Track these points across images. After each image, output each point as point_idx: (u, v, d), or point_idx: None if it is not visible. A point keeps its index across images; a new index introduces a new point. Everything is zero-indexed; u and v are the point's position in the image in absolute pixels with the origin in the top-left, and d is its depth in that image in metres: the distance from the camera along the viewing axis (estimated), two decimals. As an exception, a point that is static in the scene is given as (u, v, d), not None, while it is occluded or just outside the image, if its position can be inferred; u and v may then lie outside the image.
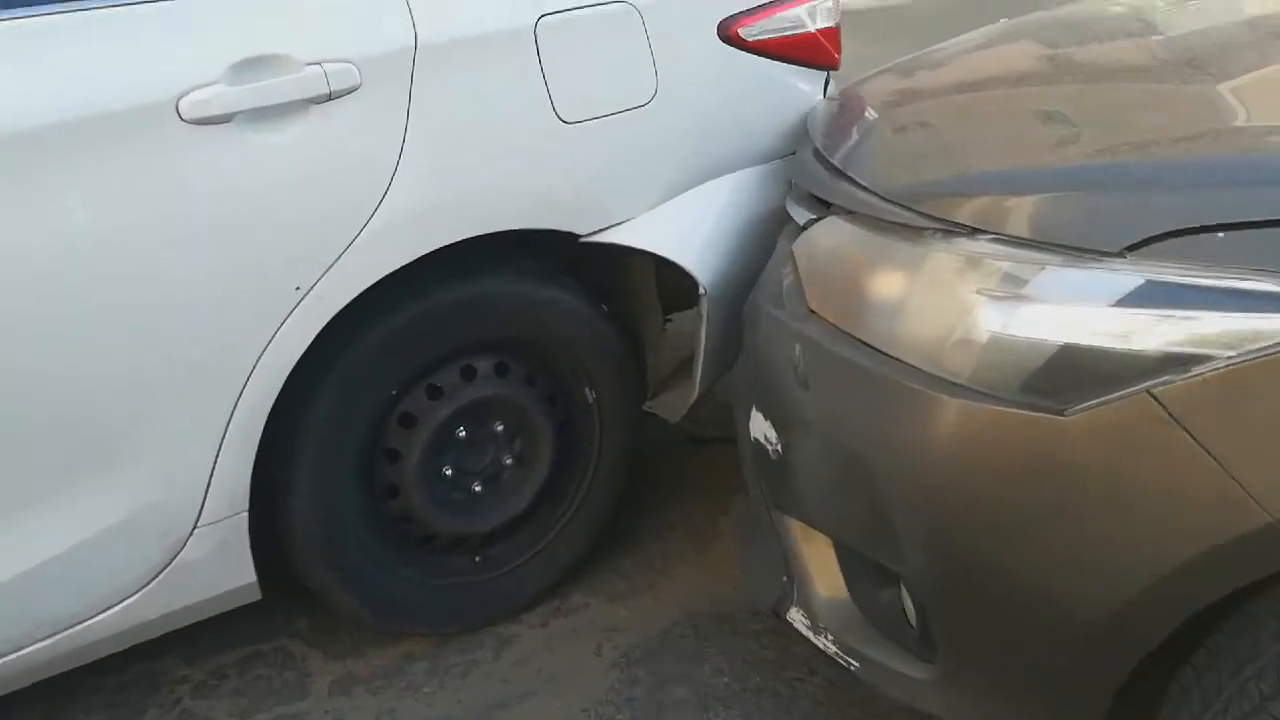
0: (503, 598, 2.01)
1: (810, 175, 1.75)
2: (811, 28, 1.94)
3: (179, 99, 1.40)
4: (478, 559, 1.99)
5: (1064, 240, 1.24)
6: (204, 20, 1.43)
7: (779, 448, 1.57)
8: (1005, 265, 1.28)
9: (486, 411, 1.88)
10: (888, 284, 1.42)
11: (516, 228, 1.69)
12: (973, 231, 1.34)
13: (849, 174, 1.58)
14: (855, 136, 1.76)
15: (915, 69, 2.07)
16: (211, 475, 1.57)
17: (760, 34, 1.88)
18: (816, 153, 1.77)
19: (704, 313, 1.85)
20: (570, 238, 1.78)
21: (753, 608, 2.06)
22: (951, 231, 1.36)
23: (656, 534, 2.30)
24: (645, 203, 1.82)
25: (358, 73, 1.50)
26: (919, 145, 1.64)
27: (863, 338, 1.43)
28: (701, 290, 1.83)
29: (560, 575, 2.08)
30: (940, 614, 1.38)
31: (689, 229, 1.85)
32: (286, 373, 1.57)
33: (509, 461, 1.95)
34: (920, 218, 1.40)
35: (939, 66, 2.05)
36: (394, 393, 1.76)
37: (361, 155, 1.53)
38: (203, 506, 1.58)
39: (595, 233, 1.78)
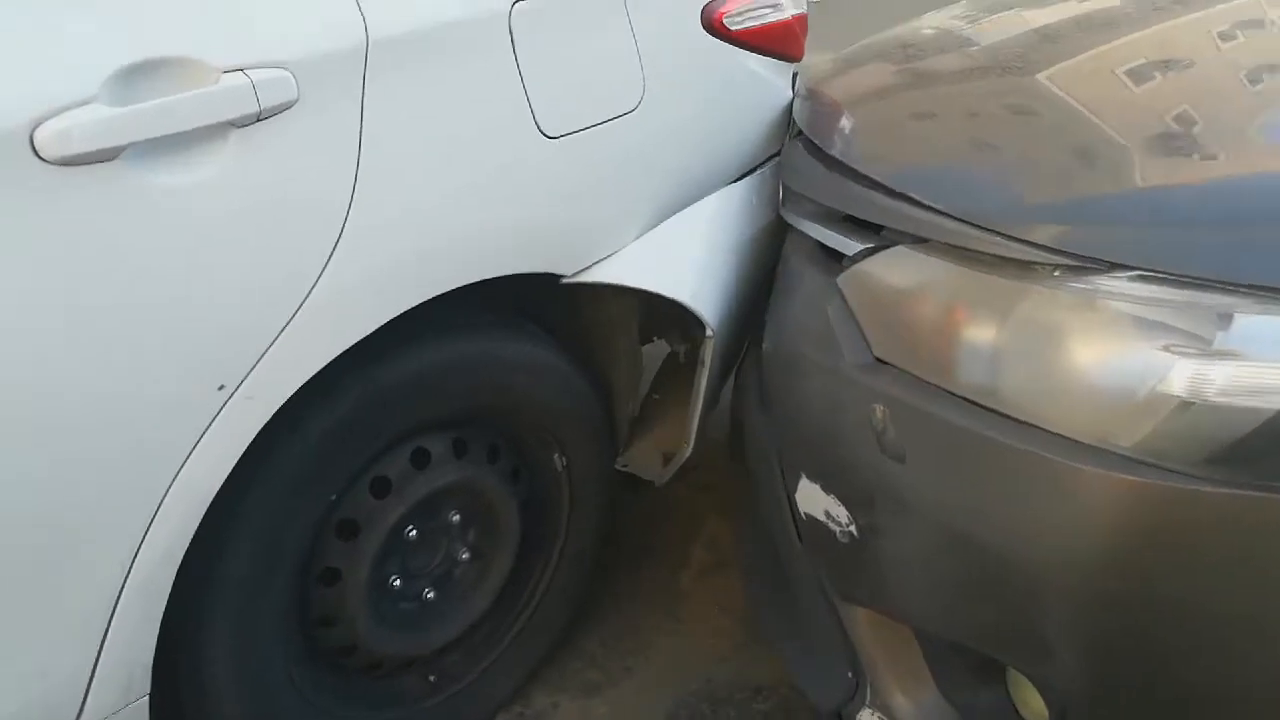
0: (465, 717, 1.63)
1: (832, 189, 1.47)
2: (787, 14, 1.65)
3: (34, 128, 0.92)
4: (432, 678, 1.59)
5: (1256, 279, 1.04)
6: (69, 9, 0.95)
7: (852, 530, 1.29)
8: (1181, 312, 1.06)
9: (441, 501, 1.49)
10: (1008, 335, 1.16)
11: (497, 275, 1.31)
12: (1111, 267, 1.11)
13: (909, 193, 1.31)
14: (896, 142, 1.49)
15: (918, 54, 1.82)
16: (98, 658, 1.10)
17: (741, 21, 1.57)
18: (833, 161, 1.49)
19: (707, 358, 1.54)
20: (548, 279, 1.41)
21: (755, 684, 1.79)
22: (1085, 269, 1.13)
23: (622, 602, 1.97)
24: (634, 229, 1.47)
25: (294, 82, 1.06)
26: (1004, 157, 1.38)
27: (973, 398, 1.18)
28: (709, 332, 1.51)
29: (526, 678, 1.71)
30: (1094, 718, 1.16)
31: (684, 258, 1.52)
32: (207, 503, 1.12)
33: (465, 556, 1.56)
34: (1037, 251, 1.16)
35: (954, 49, 1.80)
36: (333, 498, 1.33)
37: (302, 198, 1.09)
38: (84, 704, 1.11)
39: (581, 271, 1.43)
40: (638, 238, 1.49)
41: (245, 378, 1.09)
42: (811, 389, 1.36)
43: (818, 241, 1.50)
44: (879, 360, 1.29)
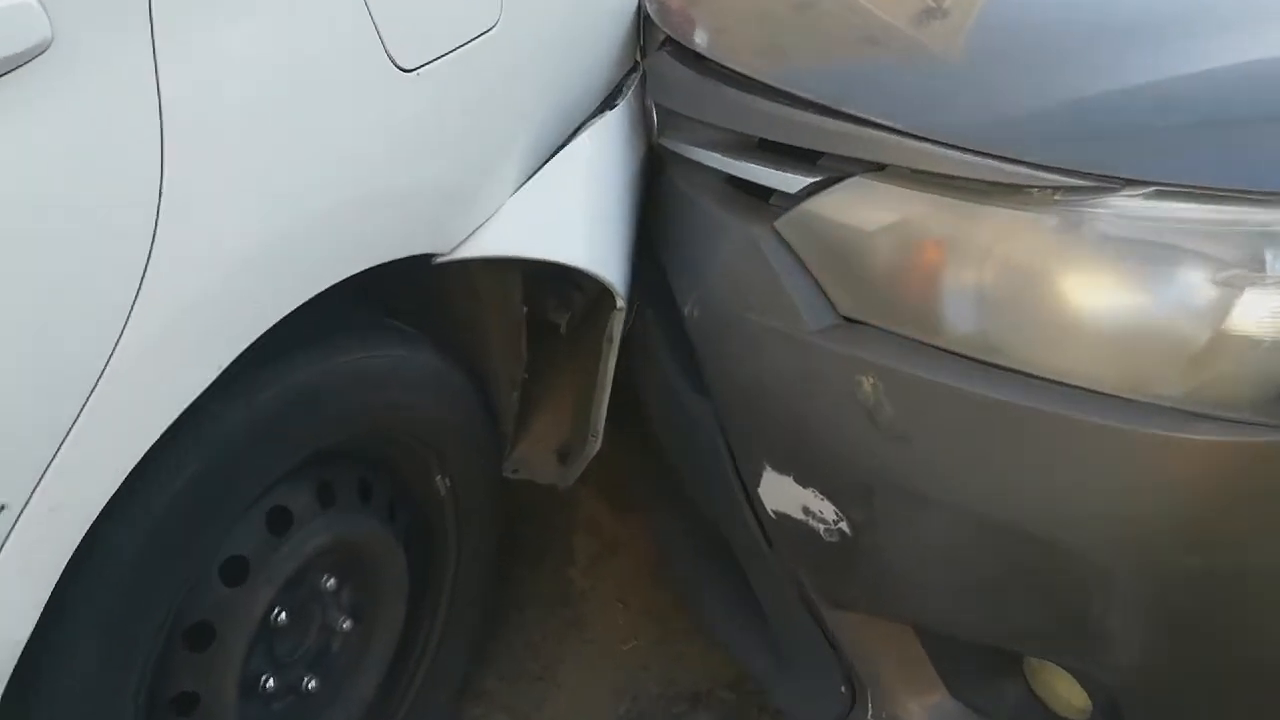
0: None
1: (737, 110, 1.21)
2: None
3: None
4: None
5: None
6: None
7: (843, 528, 1.08)
8: (1222, 234, 0.89)
9: (311, 569, 1.14)
10: (1009, 277, 0.97)
11: (371, 266, 0.97)
12: (1125, 184, 0.93)
13: (851, 110, 1.07)
14: (822, 47, 1.25)
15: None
16: None
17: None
18: (734, 76, 1.23)
19: (616, 333, 1.26)
20: (417, 262, 1.07)
21: (689, 692, 1.58)
22: (1093, 189, 0.94)
23: (512, 620, 1.68)
24: (510, 182, 1.16)
25: (46, 18, 0.67)
26: (964, 54, 1.15)
27: (978, 356, 0.98)
28: (619, 303, 1.22)
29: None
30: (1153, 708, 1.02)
31: (573, 213, 1.22)
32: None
33: (347, 625, 1.22)
34: (1033, 171, 0.96)
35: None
36: (171, 608, 0.96)
37: (83, 193, 0.71)
38: None
39: (459, 245, 1.10)
40: (515, 191, 1.17)
41: (33, 492, 0.71)
42: (766, 363, 1.12)
43: (727, 176, 1.24)
44: (848, 319, 1.07)
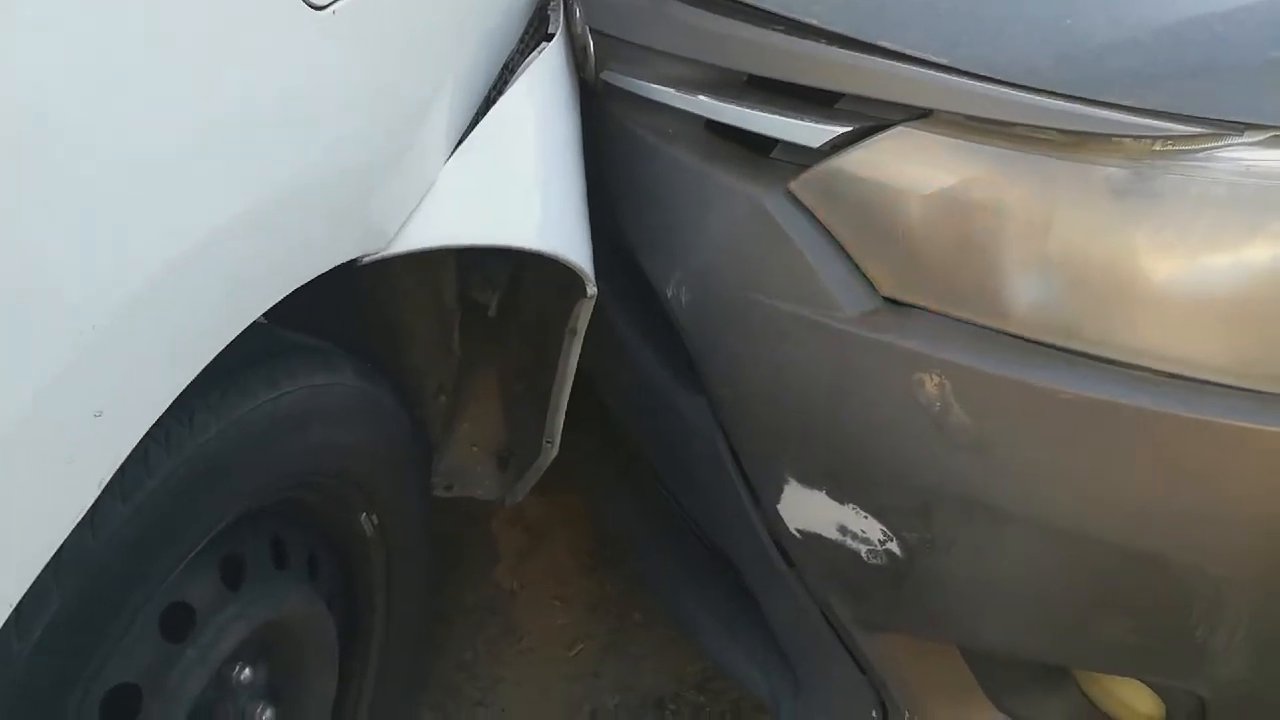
0: None
1: (718, 39, 0.97)
2: None
3: None
4: None
5: None
6: None
7: (892, 548, 0.90)
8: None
9: (224, 666, 0.87)
10: (1111, 249, 0.79)
11: (309, 278, 0.69)
12: (1245, 129, 0.77)
13: (888, 45, 0.86)
14: None
15: None
16: None
17: None
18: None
19: (581, 325, 1.01)
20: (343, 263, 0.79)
21: (653, 696, 1.40)
22: (1204, 135, 0.77)
23: (438, 636, 1.44)
24: (441, 149, 0.88)
25: None
26: None
27: (1072, 346, 0.81)
28: (589, 290, 0.98)
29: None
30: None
31: (524, 181, 0.95)
32: None
33: (267, 717, 0.96)
34: (1130, 118, 0.78)
35: None
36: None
37: None
38: None
39: (394, 239, 0.82)
40: (448, 159, 0.90)
41: None
42: (788, 356, 0.91)
43: (706, 121, 1.01)
44: (893, 301, 0.88)
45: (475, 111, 0.96)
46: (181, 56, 0.59)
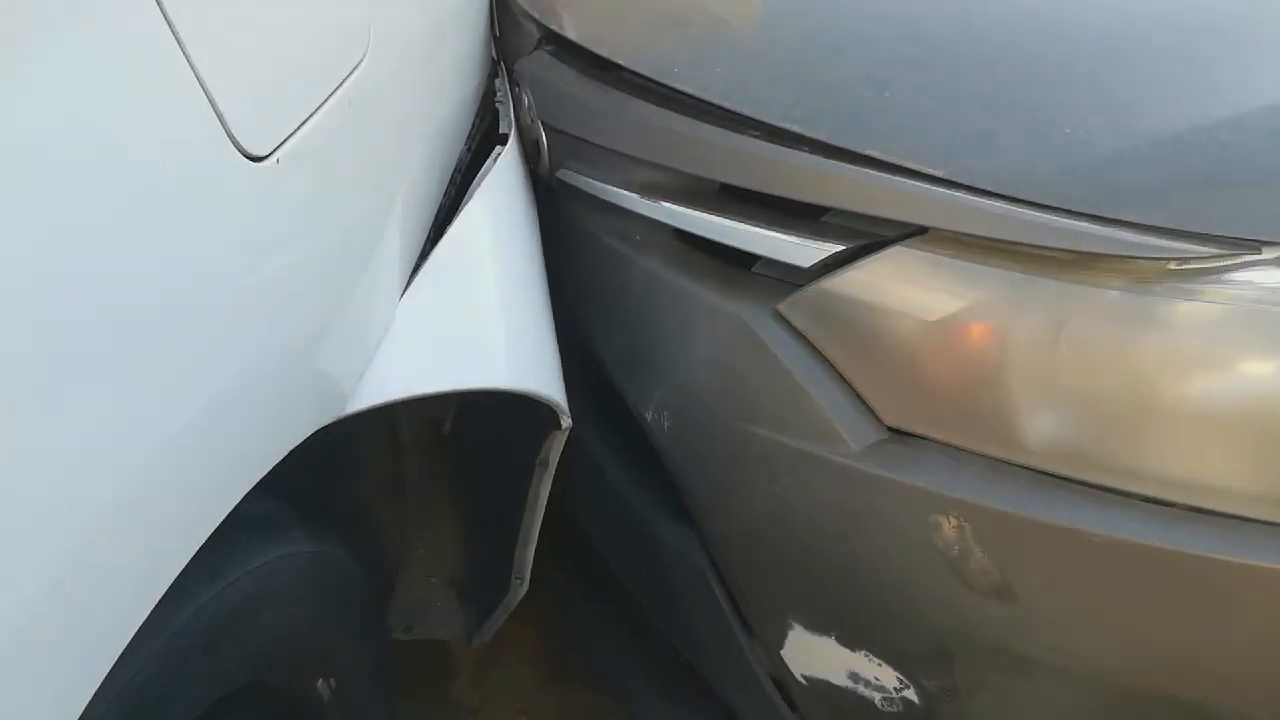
0: None
1: (687, 142, 0.90)
2: None
3: None
4: None
5: None
6: None
7: (909, 695, 0.84)
8: None
9: None
10: (1134, 377, 0.74)
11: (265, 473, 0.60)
12: (1261, 247, 0.73)
13: (878, 155, 0.80)
14: (807, 59, 0.92)
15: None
16: None
17: None
18: (659, 91, 0.91)
19: (553, 456, 0.92)
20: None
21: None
22: (1221, 255, 0.73)
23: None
24: (396, 282, 0.79)
25: None
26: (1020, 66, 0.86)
27: (1096, 481, 0.75)
28: (564, 423, 0.89)
29: None
30: None
31: (483, 313, 0.86)
32: None
33: None
34: (1141, 237, 0.73)
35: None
36: None
37: None
38: None
39: (353, 394, 0.73)
40: (404, 292, 0.81)
41: None
42: (788, 493, 0.84)
43: (675, 230, 0.94)
44: (898, 431, 0.81)
45: (428, 231, 0.88)
46: (92, 236, 0.49)
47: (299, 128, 0.63)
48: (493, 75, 1.17)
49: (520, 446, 0.94)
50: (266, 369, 0.60)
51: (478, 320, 0.85)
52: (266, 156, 0.60)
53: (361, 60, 0.73)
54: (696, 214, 0.91)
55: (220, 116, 0.56)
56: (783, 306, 0.84)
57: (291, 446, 0.65)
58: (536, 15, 1.09)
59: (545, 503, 0.96)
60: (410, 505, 1.08)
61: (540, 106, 1.07)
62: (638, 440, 0.96)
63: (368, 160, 0.74)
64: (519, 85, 1.12)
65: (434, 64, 0.92)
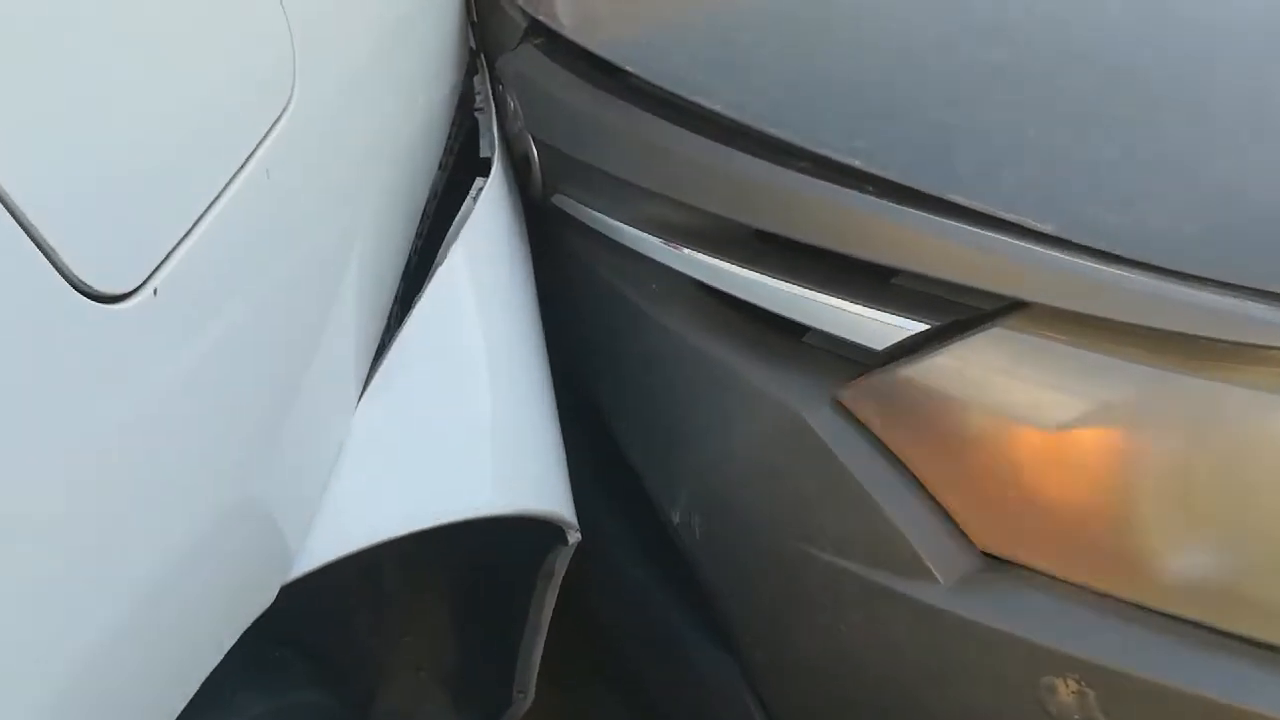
0: None
1: (717, 178, 0.71)
2: None
3: None
4: None
5: None
6: None
7: None
8: None
9: None
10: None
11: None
12: None
13: (968, 203, 0.61)
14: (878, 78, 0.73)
15: None
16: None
17: None
18: (677, 104, 0.72)
19: (559, 567, 0.75)
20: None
21: None
22: None
23: None
24: (353, 391, 0.61)
25: None
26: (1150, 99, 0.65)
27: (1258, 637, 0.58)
28: (572, 537, 0.72)
29: None
30: None
31: (465, 417, 0.68)
32: None
33: None
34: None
35: None
36: None
37: None
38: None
39: (304, 549, 0.56)
40: (362, 396, 0.63)
41: None
42: (859, 630, 0.67)
43: (704, 285, 0.75)
44: (993, 558, 0.64)
45: (392, 299, 0.69)
46: None
47: (182, 240, 0.44)
48: (470, 72, 0.97)
49: (520, 551, 0.77)
50: (177, 561, 0.43)
51: (458, 426, 0.66)
52: (132, 292, 0.41)
53: (285, 109, 0.54)
54: (728, 267, 0.72)
55: (49, 253, 0.38)
56: (845, 394, 0.66)
57: (249, 623, 0.48)
58: (522, 3, 0.89)
59: (550, 615, 0.80)
60: (389, 613, 0.92)
61: (529, 116, 0.87)
62: (655, 530, 0.79)
63: (301, 242, 0.55)
64: (503, 86, 0.93)
65: (392, 77, 0.72)
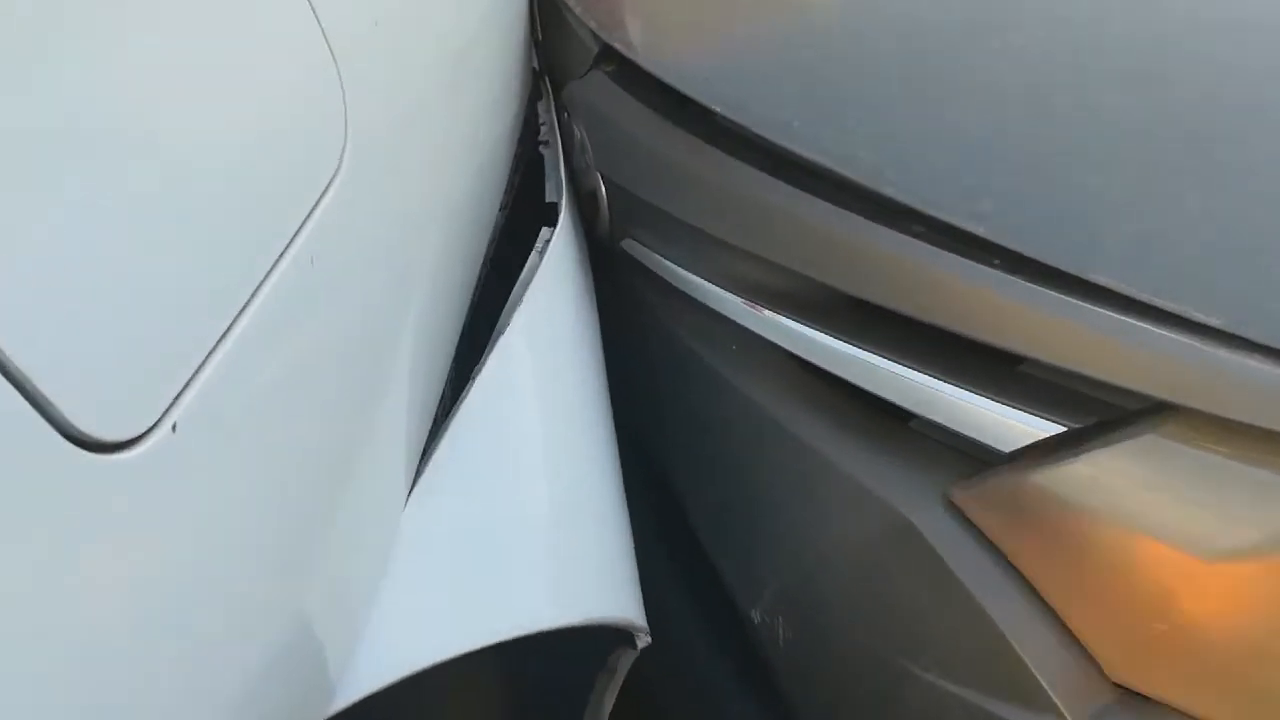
0: None
1: (810, 238, 0.63)
2: None
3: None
4: None
5: None
6: None
7: None
8: None
9: None
10: None
11: None
12: None
13: (1123, 288, 0.52)
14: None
15: None
16: None
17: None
18: (776, 153, 0.64)
19: (622, 667, 0.68)
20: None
21: None
22: None
23: None
24: (400, 490, 0.54)
25: None
26: None
27: None
28: (642, 641, 0.65)
29: None
30: None
31: (530, 511, 0.61)
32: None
33: None
34: None
35: None
36: None
37: None
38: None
39: (345, 679, 0.49)
40: (411, 494, 0.56)
41: None
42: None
43: (793, 355, 0.67)
44: (1127, 692, 0.55)
45: (444, 378, 0.62)
46: None
47: (205, 362, 0.37)
48: (534, 97, 0.89)
49: (580, 648, 0.70)
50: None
51: (516, 528, 0.59)
52: (144, 435, 0.34)
53: (334, 177, 0.47)
54: (820, 337, 0.64)
55: (40, 404, 0.31)
56: (959, 494, 0.58)
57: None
58: (593, 25, 0.81)
59: (610, 711, 0.73)
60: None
61: (598, 152, 0.79)
62: (738, 627, 0.71)
63: (349, 335, 0.48)
64: (569, 115, 0.85)
65: (453, 117, 0.64)
